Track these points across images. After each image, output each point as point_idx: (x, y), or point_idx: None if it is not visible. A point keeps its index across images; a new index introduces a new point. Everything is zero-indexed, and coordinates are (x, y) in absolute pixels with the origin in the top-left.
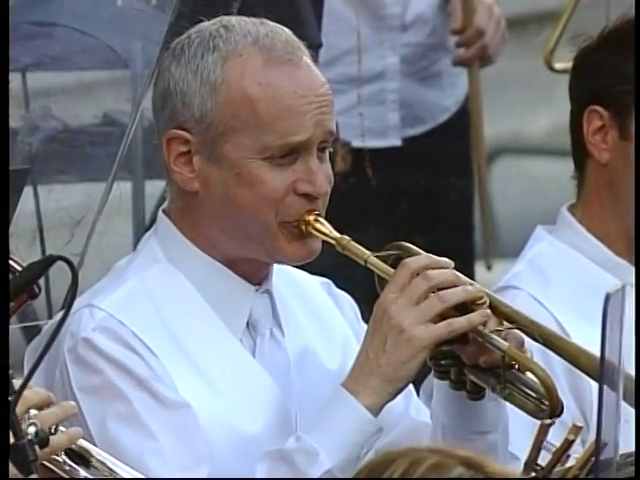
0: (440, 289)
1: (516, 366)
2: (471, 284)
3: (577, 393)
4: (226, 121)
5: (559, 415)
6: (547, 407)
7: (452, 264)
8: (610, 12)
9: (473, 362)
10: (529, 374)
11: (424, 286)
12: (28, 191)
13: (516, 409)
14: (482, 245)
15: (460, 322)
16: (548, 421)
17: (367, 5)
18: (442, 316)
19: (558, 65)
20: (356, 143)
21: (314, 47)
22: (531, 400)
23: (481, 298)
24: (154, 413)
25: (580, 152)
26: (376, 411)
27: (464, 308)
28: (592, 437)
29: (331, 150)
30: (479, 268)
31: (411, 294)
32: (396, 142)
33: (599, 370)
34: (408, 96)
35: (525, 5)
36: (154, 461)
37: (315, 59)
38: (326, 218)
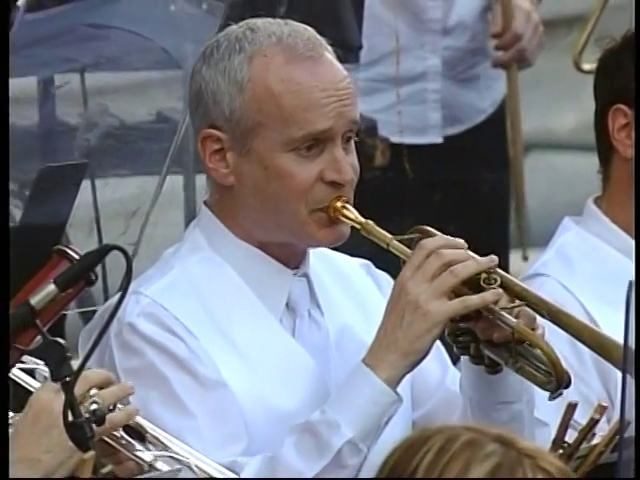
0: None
1: (526, 341)
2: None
3: (603, 375)
4: (253, 117)
5: (566, 387)
6: (554, 379)
7: (465, 245)
8: (633, 15)
9: (487, 338)
10: (538, 349)
11: (437, 263)
12: (86, 184)
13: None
14: (517, 236)
15: (473, 299)
16: (575, 402)
17: (408, 9)
18: (457, 294)
19: (586, 66)
20: (394, 139)
21: (355, 49)
22: (540, 373)
23: (492, 268)
24: (192, 393)
25: (605, 148)
26: (394, 383)
27: (478, 288)
28: (617, 416)
29: (356, 139)
30: (514, 258)
31: (425, 271)
32: (437, 139)
33: (622, 353)
34: (448, 97)
35: (554, 9)
36: (191, 438)
37: (356, 60)
38: (366, 209)
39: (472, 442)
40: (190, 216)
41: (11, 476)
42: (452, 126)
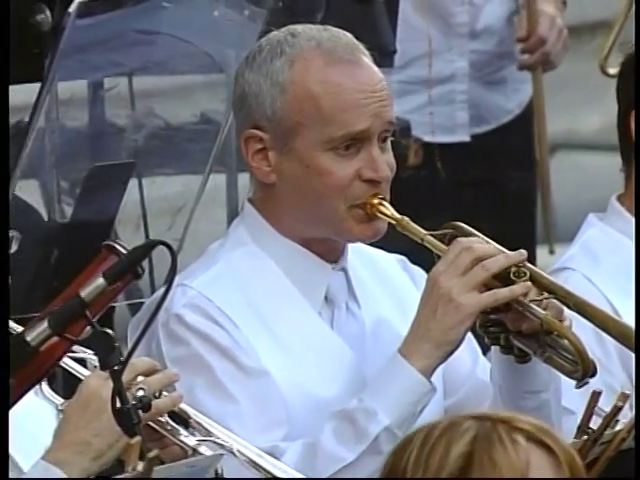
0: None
1: (554, 332)
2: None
3: (626, 364)
4: (294, 117)
5: (592, 376)
6: (580, 368)
7: (499, 247)
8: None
9: (517, 329)
10: (565, 340)
11: (469, 257)
12: (133, 182)
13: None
14: (543, 232)
15: (503, 292)
16: (599, 389)
17: (437, 14)
18: (488, 287)
19: (611, 70)
20: (427, 139)
21: (389, 53)
22: (567, 362)
23: (522, 262)
24: (235, 380)
25: (627, 148)
26: (428, 373)
27: (508, 281)
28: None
29: (396, 141)
30: (540, 253)
31: (458, 265)
32: (465, 138)
33: (635, 341)
34: (475, 98)
35: (578, 15)
36: (234, 423)
37: (391, 64)
38: (400, 206)
39: (449, 425)
40: (232, 213)
41: (59, 459)
42: (478, 126)
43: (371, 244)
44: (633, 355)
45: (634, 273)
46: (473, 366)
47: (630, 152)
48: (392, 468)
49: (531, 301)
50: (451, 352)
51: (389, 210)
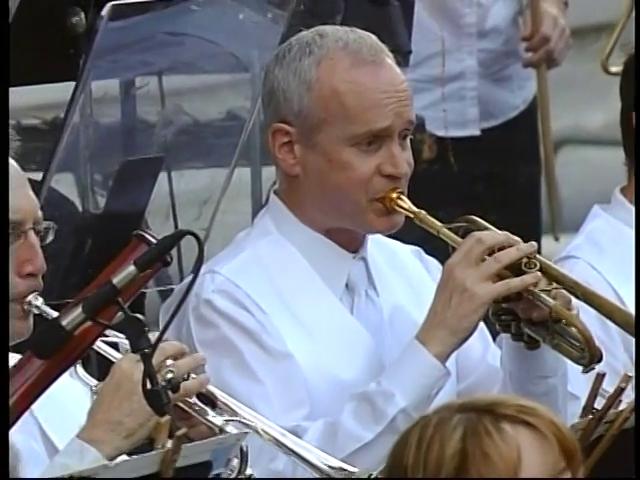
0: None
1: (563, 320)
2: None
3: (629, 348)
4: (319, 114)
5: (598, 362)
6: (587, 354)
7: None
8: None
9: (527, 317)
10: (573, 327)
11: (482, 250)
12: (163, 176)
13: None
14: (549, 221)
15: (515, 282)
16: (603, 372)
17: (448, 15)
18: (500, 277)
19: (613, 69)
20: (440, 134)
21: (405, 53)
22: (575, 349)
23: (532, 253)
24: (261, 362)
25: (630, 143)
26: (443, 358)
27: (519, 271)
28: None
29: (412, 137)
30: (545, 241)
31: (472, 257)
32: (475, 132)
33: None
34: (483, 94)
35: (583, 17)
36: (260, 403)
37: (406, 64)
38: (415, 198)
39: (440, 422)
40: (256, 205)
41: (93, 437)
42: (487, 121)
43: (389, 235)
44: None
45: (634, 261)
46: (484, 352)
47: (632, 147)
48: (392, 470)
49: (541, 291)
50: (465, 339)
51: (407, 204)
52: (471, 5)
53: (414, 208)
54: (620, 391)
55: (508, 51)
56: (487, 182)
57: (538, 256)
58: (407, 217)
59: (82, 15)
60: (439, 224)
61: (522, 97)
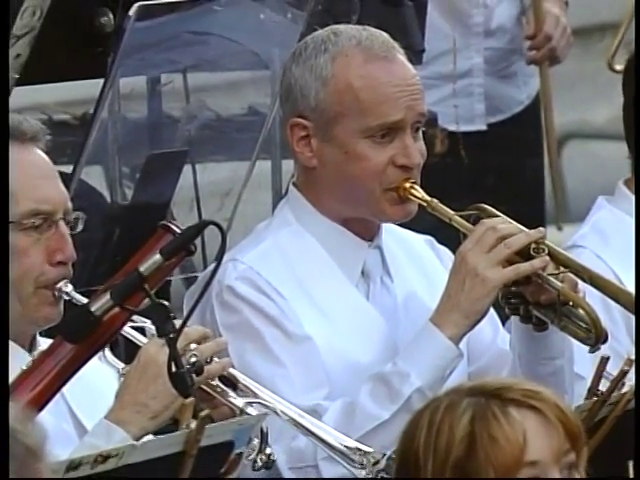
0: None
1: (570, 303)
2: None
3: (632, 332)
4: (335, 108)
5: (604, 342)
6: (594, 335)
7: (520, 226)
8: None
9: (536, 300)
10: (580, 309)
11: (493, 236)
12: (187, 168)
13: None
14: (553, 212)
15: (524, 266)
16: (607, 355)
17: (457, 15)
18: (510, 262)
19: (618, 67)
20: (452, 128)
21: (417, 52)
22: (582, 330)
23: (541, 238)
24: (282, 345)
25: (633, 137)
26: (457, 340)
27: (528, 256)
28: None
29: (424, 128)
30: (550, 230)
31: (483, 243)
32: (482, 127)
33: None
34: (490, 90)
35: (589, 17)
36: (282, 384)
37: (419, 62)
38: (427, 190)
39: (449, 406)
40: (276, 196)
41: (121, 418)
42: (494, 116)
43: (402, 225)
44: None
45: (634, 249)
46: (494, 336)
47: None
48: (404, 451)
49: (549, 275)
50: (477, 321)
51: (420, 193)
52: (478, 6)
53: (427, 197)
54: (623, 374)
55: (513, 49)
56: (495, 174)
57: (546, 242)
58: (420, 206)
59: (110, 15)
60: (451, 212)
61: (527, 93)
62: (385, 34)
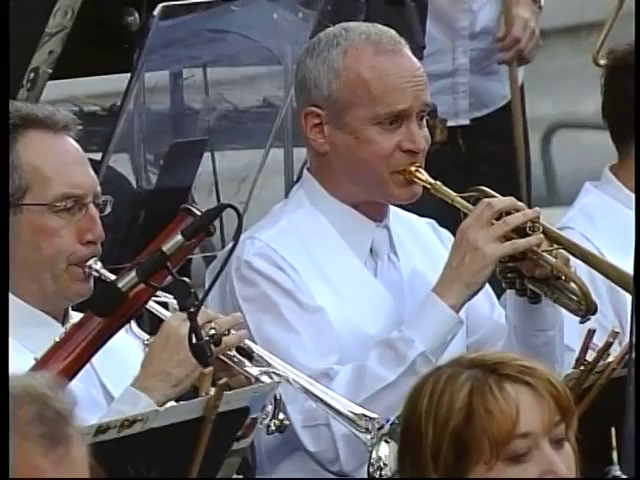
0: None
1: (562, 277)
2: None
3: (616, 306)
4: (347, 97)
5: (594, 313)
6: (584, 307)
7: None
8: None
9: (531, 274)
10: (572, 283)
11: (492, 213)
12: (207, 156)
13: (564, 310)
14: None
15: (521, 242)
16: (594, 328)
17: (444, 20)
18: (507, 239)
19: (602, 62)
20: (451, 122)
21: (420, 48)
22: (573, 302)
23: (537, 218)
24: (297, 315)
25: (615, 124)
26: (457, 309)
27: (524, 233)
28: (627, 340)
29: (428, 118)
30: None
31: (483, 220)
32: (465, 122)
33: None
34: (476, 87)
35: (577, 16)
36: (297, 350)
37: (421, 57)
38: (429, 175)
39: (450, 377)
40: (288, 181)
41: (146, 386)
42: (479, 110)
43: (406, 208)
44: (623, 299)
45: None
46: (491, 311)
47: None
48: (408, 416)
49: (543, 251)
50: (476, 292)
51: (424, 176)
52: (464, 11)
53: (430, 179)
54: (608, 345)
55: (495, 48)
56: (489, 162)
57: (541, 220)
58: (424, 188)
59: (136, 15)
60: (453, 193)
61: (508, 88)
62: (392, 30)
